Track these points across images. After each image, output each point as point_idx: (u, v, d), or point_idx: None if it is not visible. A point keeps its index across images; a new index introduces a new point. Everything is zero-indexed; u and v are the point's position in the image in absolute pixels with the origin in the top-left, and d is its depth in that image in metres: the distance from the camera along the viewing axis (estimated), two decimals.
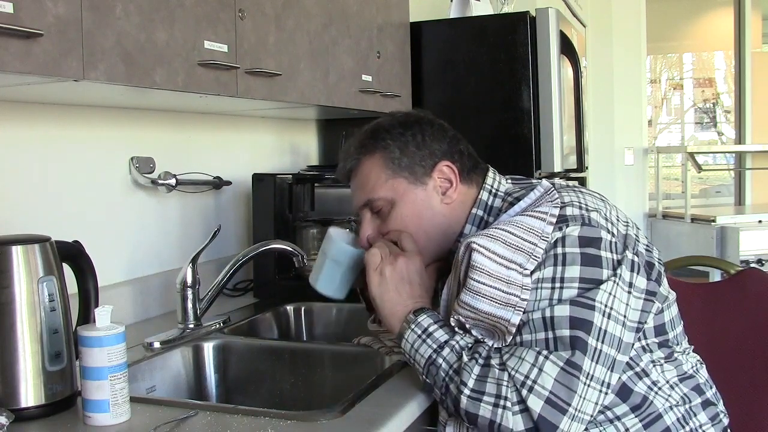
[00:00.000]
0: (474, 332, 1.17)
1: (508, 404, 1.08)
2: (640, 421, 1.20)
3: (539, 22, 2.44)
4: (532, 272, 1.14)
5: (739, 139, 5.58)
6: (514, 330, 1.13)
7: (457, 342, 1.17)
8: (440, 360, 1.16)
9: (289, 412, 1.16)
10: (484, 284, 1.14)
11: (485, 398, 1.09)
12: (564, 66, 2.55)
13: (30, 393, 1.12)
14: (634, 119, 5.23)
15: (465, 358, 1.14)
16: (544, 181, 1.30)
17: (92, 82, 1.21)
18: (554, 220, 1.17)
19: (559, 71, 2.45)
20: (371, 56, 2.19)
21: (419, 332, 1.21)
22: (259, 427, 1.08)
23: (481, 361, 1.13)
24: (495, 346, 1.15)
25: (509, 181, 1.38)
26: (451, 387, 1.14)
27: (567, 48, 2.59)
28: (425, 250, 1.32)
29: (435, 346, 1.18)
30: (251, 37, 1.60)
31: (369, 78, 2.15)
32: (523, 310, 1.12)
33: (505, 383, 1.09)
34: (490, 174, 1.37)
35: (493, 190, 1.34)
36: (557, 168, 2.46)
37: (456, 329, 1.19)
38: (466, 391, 1.11)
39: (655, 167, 5.23)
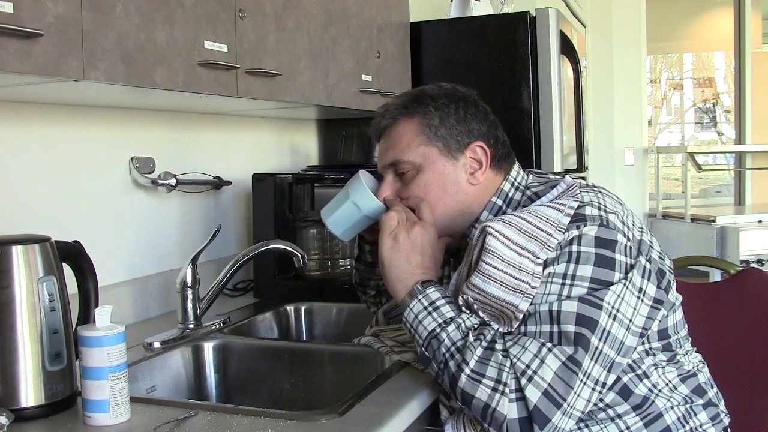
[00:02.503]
0: (481, 314, 1.17)
1: (506, 390, 1.08)
2: (641, 419, 1.20)
3: (539, 22, 2.44)
4: (545, 265, 1.14)
5: (739, 139, 5.59)
6: (521, 316, 1.13)
7: (464, 321, 1.17)
8: (444, 335, 1.16)
9: (289, 412, 1.16)
10: (495, 268, 1.14)
11: (485, 381, 1.10)
12: (564, 66, 2.55)
13: (30, 393, 1.12)
14: (634, 119, 5.24)
15: (471, 338, 1.14)
16: (567, 177, 1.30)
17: (92, 82, 1.21)
18: (572, 212, 1.17)
19: (559, 71, 2.45)
20: (371, 56, 2.19)
21: (426, 304, 1.20)
22: (259, 427, 1.08)
23: (484, 343, 1.13)
24: (500, 330, 1.15)
25: (531, 175, 1.38)
26: (450, 364, 1.14)
27: (567, 48, 2.59)
28: (438, 222, 1.31)
29: (440, 321, 1.18)
30: (251, 37, 1.60)
31: (369, 78, 2.15)
32: (532, 297, 1.13)
33: (506, 369, 1.09)
34: (515, 167, 1.37)
35: (516, 183, 1.35)
36: (557, 168, 2.46)
37: (463, 309, 1.19)
38: (467, 371, 1.11)
39: (655, 167, 5.23)
